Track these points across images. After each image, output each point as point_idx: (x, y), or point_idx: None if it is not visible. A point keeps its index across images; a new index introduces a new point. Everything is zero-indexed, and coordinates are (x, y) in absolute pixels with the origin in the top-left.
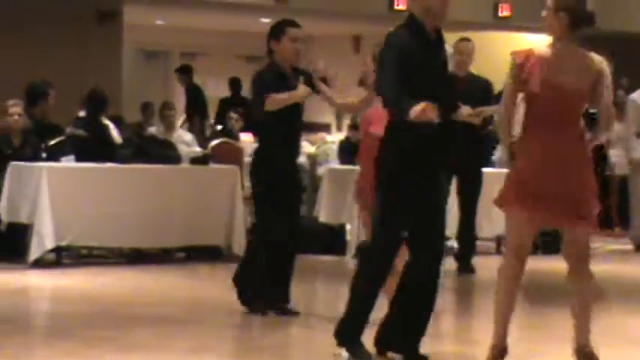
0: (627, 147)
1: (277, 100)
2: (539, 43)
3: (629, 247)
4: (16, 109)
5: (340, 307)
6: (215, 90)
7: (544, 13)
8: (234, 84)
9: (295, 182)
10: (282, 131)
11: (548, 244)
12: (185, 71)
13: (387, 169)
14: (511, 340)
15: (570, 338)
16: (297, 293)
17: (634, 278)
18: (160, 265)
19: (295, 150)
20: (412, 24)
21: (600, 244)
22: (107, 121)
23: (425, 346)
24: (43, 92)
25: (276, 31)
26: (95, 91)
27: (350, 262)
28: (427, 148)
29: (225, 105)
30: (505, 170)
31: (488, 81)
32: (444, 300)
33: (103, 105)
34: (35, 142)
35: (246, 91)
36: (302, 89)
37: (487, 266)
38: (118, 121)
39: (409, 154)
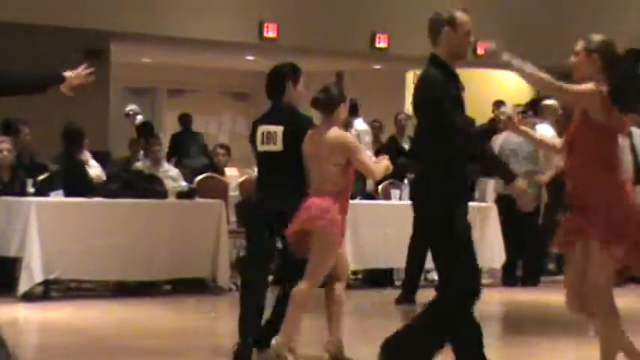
0: None
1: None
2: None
3: None
4: (5, 145)
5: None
6: (203, 126)
7: (573, 58)
8: (185, 119)
9: None
10: None
11: (528, 276)
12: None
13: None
14: None
15: None
16: None
17: None
18: (147, 298)
19: None
20: (441, 65)
21: None
22: (88, 156)
23: None
24: (14, 128)
25: (296, 73)
26: (69, 127)
27: None
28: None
29: (175, 140)
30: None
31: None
32: None
33: (79, 140)
34: (23, 178)
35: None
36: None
37: None
38: (104, 157)
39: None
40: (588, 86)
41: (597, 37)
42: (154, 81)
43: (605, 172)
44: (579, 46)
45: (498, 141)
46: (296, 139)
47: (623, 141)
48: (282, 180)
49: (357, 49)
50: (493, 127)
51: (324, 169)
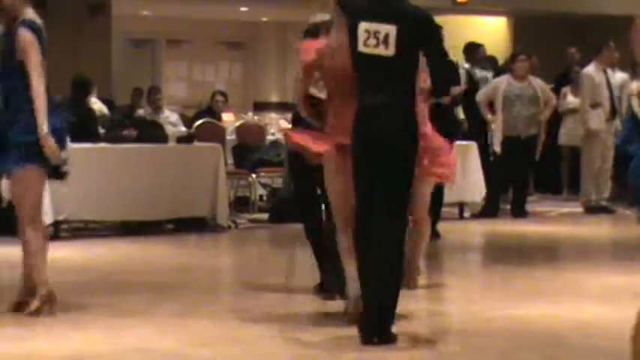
0: (583, 118)
1: None
2: (495, 25)
3: (579, 210)
4: None
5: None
6: (200, 74)
7: None
8: None
9: None
10: None
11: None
12: None
13: None
14: (474, 298)
15: (528, 293)
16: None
17: (585, 238)
18: (150, 236)
19: None
20: None
21: (552, 207)
22: (97, 101)
23: (400, 305)
24: None
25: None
26: (78, 76)
27: None
28: None
29: None
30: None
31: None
32: None
33: (87, 89)
34: None
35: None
36: None
37: (451, 230)
38: (109, 105)
39: None
40: None
41: None
42: (154, 32)
43: None
44: None
45: (502, 87)
46: None
47: (600, 78)
48: None
49: None
50: None
51: None
